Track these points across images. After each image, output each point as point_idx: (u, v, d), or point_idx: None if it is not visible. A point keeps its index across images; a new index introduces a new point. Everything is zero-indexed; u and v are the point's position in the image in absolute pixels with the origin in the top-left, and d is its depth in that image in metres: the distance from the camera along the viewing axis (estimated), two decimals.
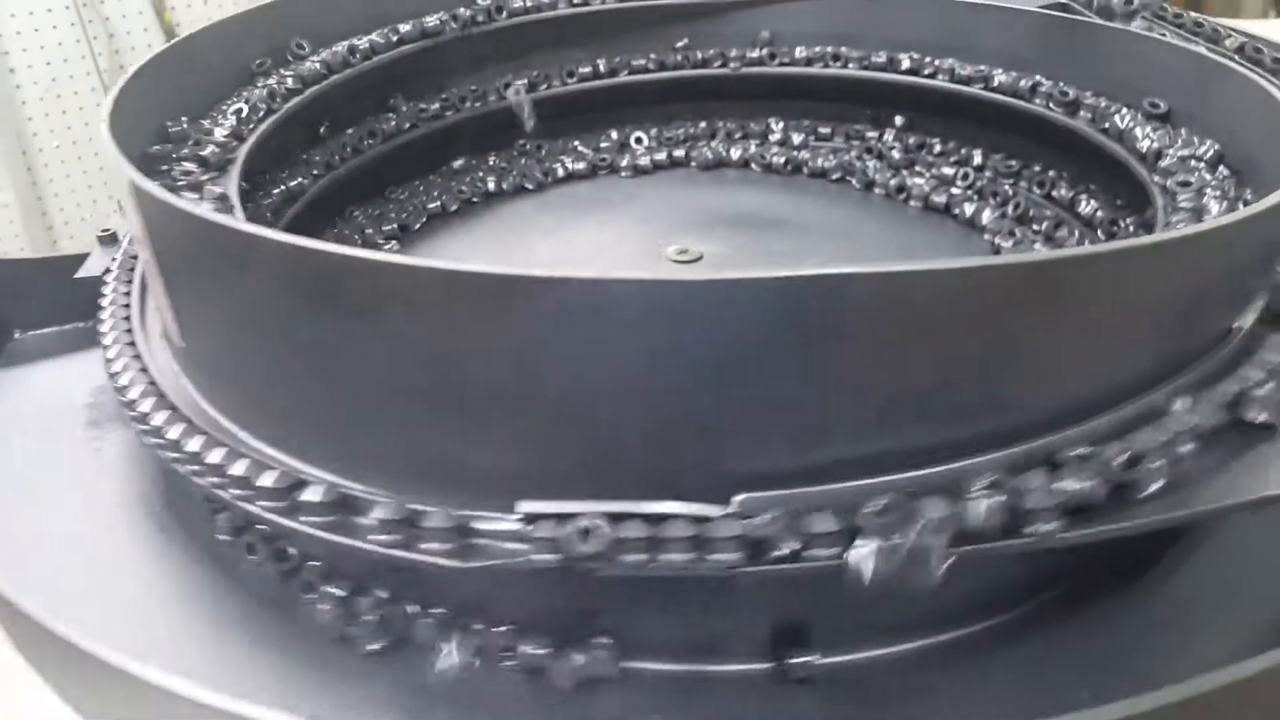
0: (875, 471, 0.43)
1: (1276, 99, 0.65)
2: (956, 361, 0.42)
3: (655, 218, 0.99)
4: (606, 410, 0.42)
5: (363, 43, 0.94)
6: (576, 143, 1.11)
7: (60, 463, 0.64)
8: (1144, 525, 0.42)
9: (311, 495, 0.45)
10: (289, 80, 0.87)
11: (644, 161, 1.09)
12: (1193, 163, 0.69)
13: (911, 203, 0.99)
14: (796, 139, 1.09)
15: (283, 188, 0.89)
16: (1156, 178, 0.71)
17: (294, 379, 0.49)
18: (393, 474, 0.46)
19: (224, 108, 0.82)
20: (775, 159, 1.07)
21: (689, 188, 1.06)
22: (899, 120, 1.06)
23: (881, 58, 0.99)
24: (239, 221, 0.44)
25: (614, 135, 1.12)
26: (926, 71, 0.97)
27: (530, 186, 1.07)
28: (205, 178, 0.70)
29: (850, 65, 1.01)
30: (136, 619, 0.52)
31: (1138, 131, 0.77)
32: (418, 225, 1.01)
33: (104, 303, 0.64)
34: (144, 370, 0.57)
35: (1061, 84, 0.87)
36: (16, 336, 0.76)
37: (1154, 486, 0.41)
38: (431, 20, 0.98)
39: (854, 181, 1.03)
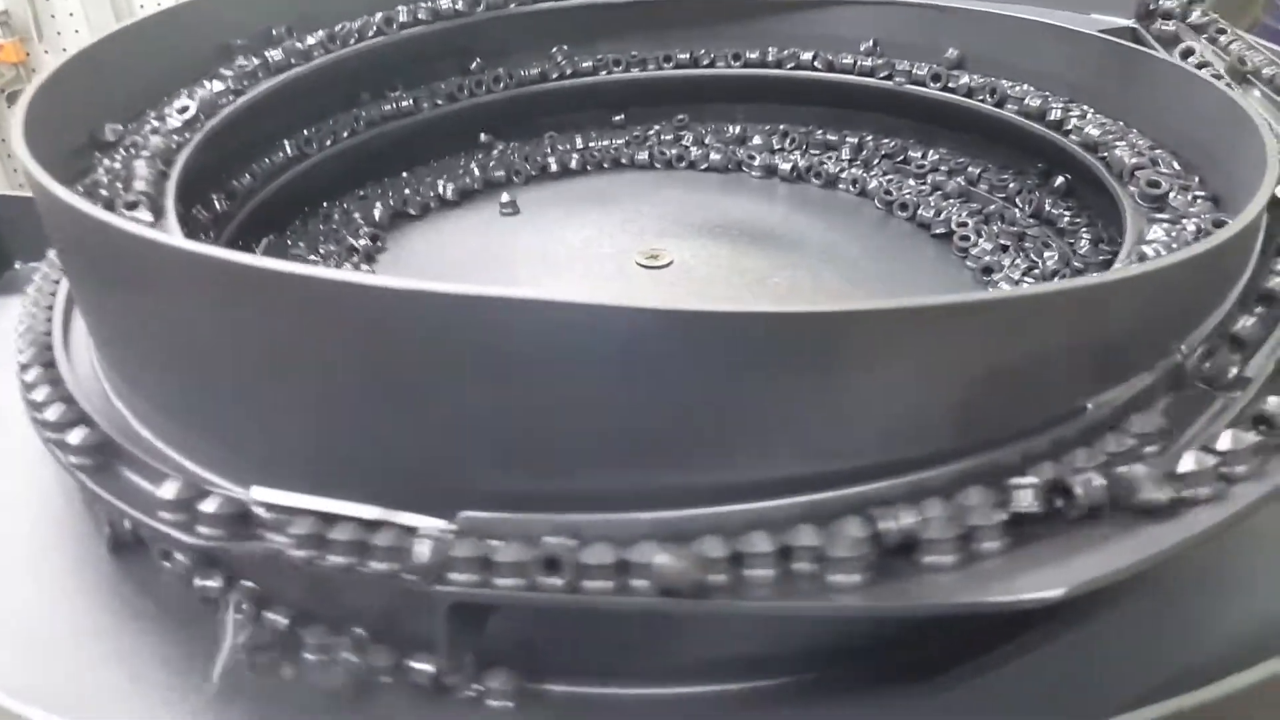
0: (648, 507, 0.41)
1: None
2: (677, 408, 0.40)
3: (670, 219, 0.98)
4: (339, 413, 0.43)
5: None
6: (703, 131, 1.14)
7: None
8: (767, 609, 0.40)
9: (75, 438, 0.48)
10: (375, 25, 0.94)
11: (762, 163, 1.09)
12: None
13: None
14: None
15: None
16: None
17: (114, 341, 0.51)
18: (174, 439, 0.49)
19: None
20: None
21: (737, 195, 1.05)
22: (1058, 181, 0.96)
23: (1036, 102, 0.89)
24: (52, 183, 0.47)
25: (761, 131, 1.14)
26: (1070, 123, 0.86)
27: (606, 165, 1.11)
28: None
29: (1009, 106, 0.92)
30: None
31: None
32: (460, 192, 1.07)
33: (49, 251, 0.68)
34: (48, 321, 0.60)
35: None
36: (17, 267, 0.83)
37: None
38: None
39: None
